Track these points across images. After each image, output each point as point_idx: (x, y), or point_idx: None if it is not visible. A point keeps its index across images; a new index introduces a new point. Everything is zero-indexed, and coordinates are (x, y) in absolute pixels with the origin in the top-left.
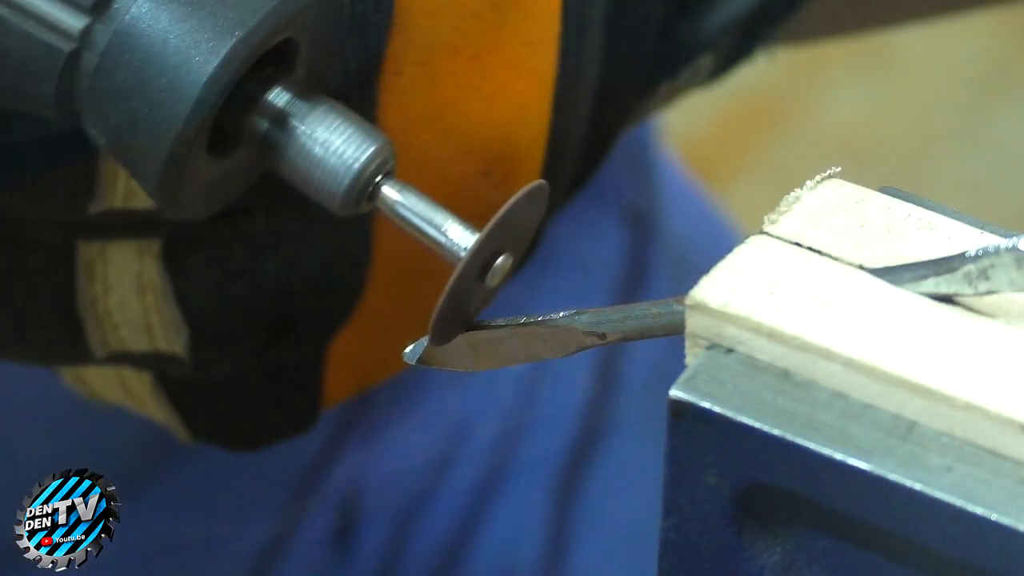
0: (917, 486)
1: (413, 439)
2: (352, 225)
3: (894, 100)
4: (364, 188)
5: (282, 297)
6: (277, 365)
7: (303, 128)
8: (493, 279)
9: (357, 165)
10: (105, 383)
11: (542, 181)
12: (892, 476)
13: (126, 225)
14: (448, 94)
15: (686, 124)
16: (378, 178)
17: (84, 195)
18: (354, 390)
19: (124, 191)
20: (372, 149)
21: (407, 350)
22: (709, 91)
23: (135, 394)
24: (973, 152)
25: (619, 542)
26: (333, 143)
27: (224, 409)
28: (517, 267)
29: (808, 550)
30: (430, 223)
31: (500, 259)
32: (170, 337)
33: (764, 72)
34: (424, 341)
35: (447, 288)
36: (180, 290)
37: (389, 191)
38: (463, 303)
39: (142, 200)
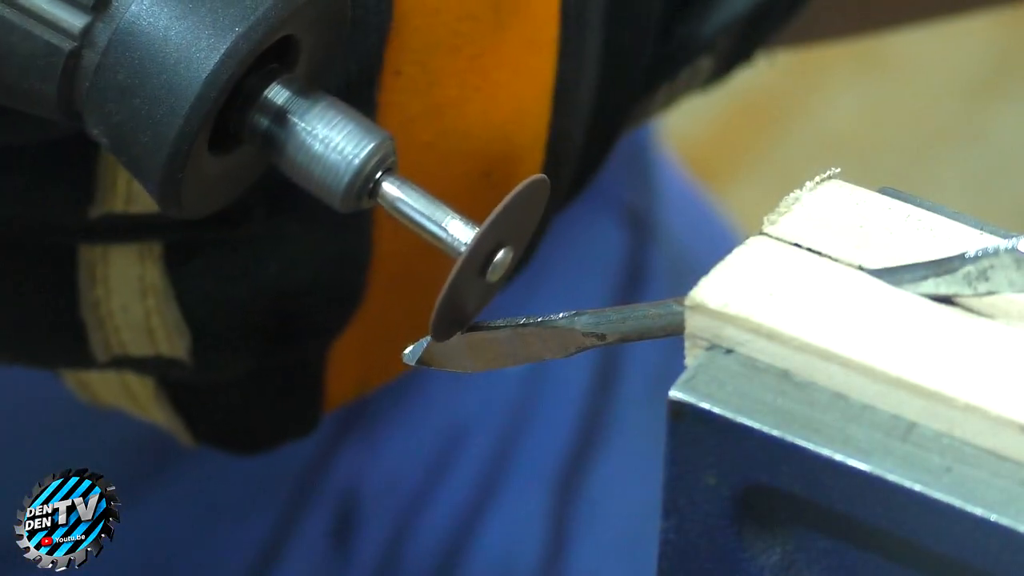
0: (917, 487)
1: (412, 439)
2: (353, 227)
3: (893, 101)
4: (365, 184)
5: (283, 299)
6: (279, 368)
7: (303, 125)
8: (494, 274)
9: (357, 161)
10: (108, 387)
11: (542, 175)
12: (892, 477)
13: (127, 228)
14: (448, 94)
15: (685, 125)
16: (379, 174)
17: (84, 199)
18: (355, 392)
19: (124, 195)
20: (372, 145)
21: (407, 351)
22: (708, 91)
23: (138, 399)
24: (972, 153)
25: (618, 543)
26: (333, 139)
27: (227, 412)
28: (518, 266)
29: (808, 551)
30: (431, 219)
31: (501, 254)
32: (172, 340)
33: (763, 73)
34: (424, 342)
35: (448, 282)
36: (181, 293)
37: (390, 187)
38: (464, 299)
39: (143, 204)
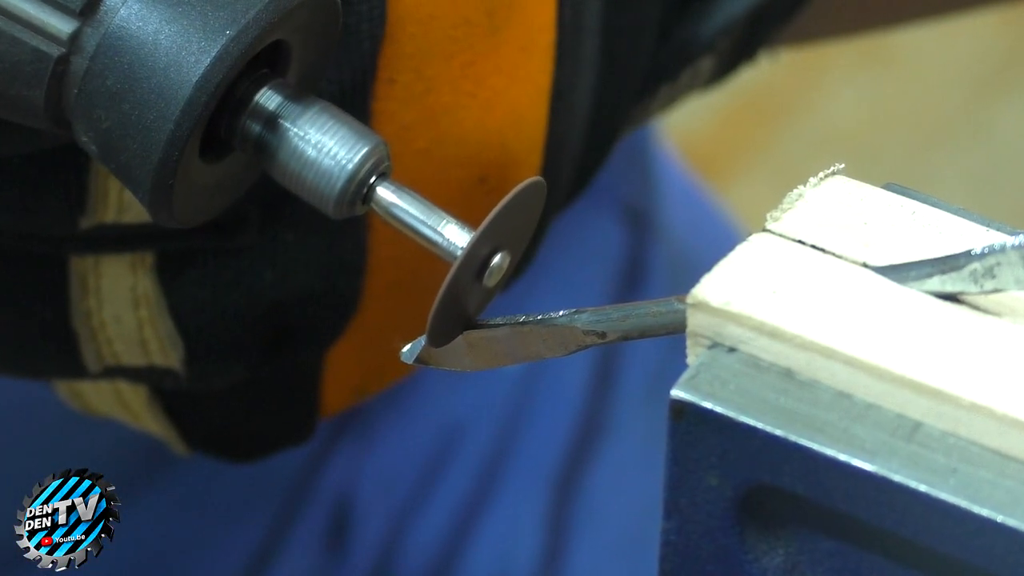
0: (922, 487)
1: (408, 439)
2: (347, 235)
3: (897, 97)
4: (358, 189)
5: (278, 308)
6: (274, 376)
7: (295, 130)
8: (491, 279)
9: (351, 166)
10: (100, 397)
11: (538, 178)
12: (896, 477)
13: (118, 239)
14: (443, 101)
15: (687, 121)
16: (373, 179)
17: (75, 210)
18: (352, 399)
19: (116, 205)
20: (366, 150)
21: (405, 349)
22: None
23: (131, 407)
24: (977, 149)
25: (617, 543)
26: (326, 144)
27: (221, 421)
28: (517, 269)
29: (811, 552)
30: (426, 223)
31: (497, 258)
32: (165, 351)
33: (766, 69)
34: (422, 340)
35: (443, 287)
36: (174, 303)
37: (384, 192)
38: (461, 304)
39: (134, 214)
